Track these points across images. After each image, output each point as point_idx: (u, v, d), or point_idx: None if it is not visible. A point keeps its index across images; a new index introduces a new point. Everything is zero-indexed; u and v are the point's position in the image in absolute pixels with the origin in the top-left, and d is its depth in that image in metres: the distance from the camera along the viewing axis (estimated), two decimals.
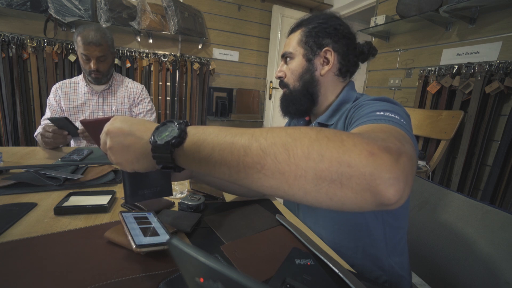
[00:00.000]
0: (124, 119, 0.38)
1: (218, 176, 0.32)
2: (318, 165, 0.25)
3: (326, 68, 0.66)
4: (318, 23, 0.66)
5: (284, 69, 0.70)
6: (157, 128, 0.36)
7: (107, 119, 0.40)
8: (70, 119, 1.29)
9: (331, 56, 0.65)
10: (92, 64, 1.21)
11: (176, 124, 0.35)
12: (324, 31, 0.65)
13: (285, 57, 0.69)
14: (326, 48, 0.65)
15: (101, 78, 1.27)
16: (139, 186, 0.45)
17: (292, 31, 0.70)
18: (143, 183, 0.46)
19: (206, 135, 0.33)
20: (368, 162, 0.24)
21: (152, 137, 0.35)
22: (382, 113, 0.46)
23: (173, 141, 0.33)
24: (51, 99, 1.30)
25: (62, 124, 1.07)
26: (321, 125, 0.66)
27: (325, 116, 0.65)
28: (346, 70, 0.67)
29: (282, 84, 0.71)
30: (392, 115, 0.45)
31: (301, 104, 0.68)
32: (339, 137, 0.27)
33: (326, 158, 0.25)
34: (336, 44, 0.65)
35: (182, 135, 0.33)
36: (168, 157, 0.34)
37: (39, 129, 1.27)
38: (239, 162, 0.29)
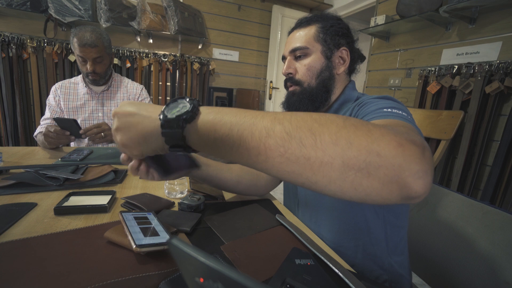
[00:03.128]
0: (131, 102, 0.37)
1: (234, 159, 0.30)
2: (346, 152, 0.24)
3: (342, 67, 0.66)
4: (333, 21, 0.65)
5: (295, 65, 0.66)
6: (167, 105, 0.34)
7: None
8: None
9: (347, 56, 0.66)
10: (88, 66, 1.20)
11: (187, 99, 0.33)
12: (340, 30, 0.64)
13: (296, 52, 0.65)
14: (343, 48, 0.65)
15: (98, 79, 1.26)
16: (167, 163, 0.46)
17: (300, 26, 0.67)
18: (168, 161, 0.46)
19: (223, 114, 0.30)
20: (397, 152, 0.24)
21: (162, 113, 0.33)
22: (389, 109, 0.46)
23: (185, 116, 0.31)
24: (50, 99, 1.30)
25: (68, 125, 1.07)
26: None
27: None
28: (352, 70, 0.69)
29: (293, 81, 0.67)
30: (400, 112, 0.45)
31: (320, 102, 0.65)
32: (366, 127, 0.26)
33: (355, 146, 0.24)
34: (349, 45, 0.66)
35: (194, 110, 0.31)
36: (179, 133, 0.31)
37: (38, 129, 1.27)
38: (259, 144, 0.27)
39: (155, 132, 0.33)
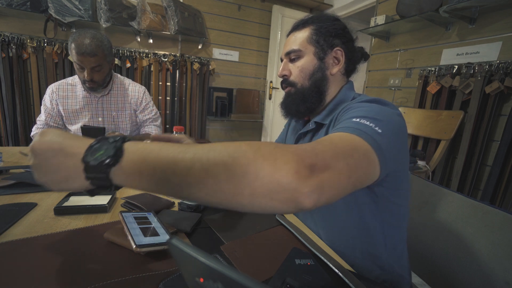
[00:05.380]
0: (54, 133, 0.35)
1: (161, 193, 0.33)
2: (253, 184, 0.29)
3: (337, 68, 0.66)
4: (327, 22, 0.65)
5: (290, 67, 0.68)
6: (90, 146, 0.33)
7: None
8: (70, 123, 1.28)
9: (342, 56, 0.65)
10: (86, 74, 1.12)
11: (112, 141, 0.33)
12: (334, 30, 0.64)
13: (290, 55, 0.67)
14: (337, 48, 0.65)
15: (96, 87, 1.20)
16: None
17: (296, 28, 0.68)
18: None
19: (147, 153, 0.32)
20: (293, 179, 0.29)
21: (85, 156, 0.32)
22: (358, 119, 0.45)
23: (108, 160, 0.31)
24: (46, 101, 1.24)
25: (94, 134, 1.04)
26: (318, 124, 0.66)
27: (322, 115, 0.65)
28: (350, 70, 0.69)
29: (287, 83, 0.68)
30: (367, 123, 0.44)
31: (312, 102, 0.66)
32: (274, 156, 0.30)
33: (260, 178, 0.29)
34: (344, 45, 0.66)
35: (117, 154, 0.32)
36: (104, 178, 0.32)
37: (34, 129, 1.25)
38: (182, 182, 0.30)
39: (79, 175, 0.33)
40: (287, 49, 0.67)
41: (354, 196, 0.58)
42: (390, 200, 0.56)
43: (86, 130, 1.06)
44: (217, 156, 0.30)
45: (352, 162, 0.36)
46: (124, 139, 0.34)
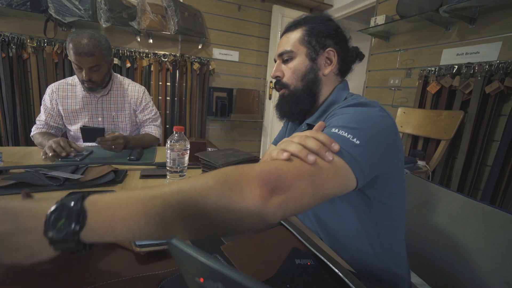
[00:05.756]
0: (4, 218, 0.30)
1: (140, 240, 0.35)
2: (225, 215, 0.32)
3: (329, 68, 0.65)
4: (319, 23, 0.65)
5: (283, 68, 0.67)
6: (49, 217, 0.30)
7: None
8: (70, 122, 1.28)
9: (334, 57, 0.65)
10: (84, 74, 1.12)
11: (70, 205, 0.30)
12: (326, 31, 0.64)
13: (283, 56, 0.67)
14: (329, 49, 0.65)
15: (95, 87, 1.20)
16: None
17: (289, 29, 0.68)
18: None
19: (114, 209, 0.31)
20: (258, 203, 0.33)
21: (46, 230, 0.29)
22: (336, 130, 0.46)
23: (72, 228, 0.29)
24: (46, 101, 1.24)
25: (93, 134, 1.04)
26: (310, 126, 0.66)
27: (314, 117, 0.65)
28: (344, 70, 0.68)
29: (280, 84, 0.68)
30: (345, 134, 0.44)
31: (305, 104, 0.66)
32: (239, 185, 0.33)
33: (230, 210, 0.32)
34: (337, 45, 0.65)
35: (81, 219, 0.29)
36: (74, 244, 0.30)
37: (34, 129, 1.25)
38: (158, 228, 0.31)
39: (45, 248, 0.30)
40: (280, 50, 0.67)
41: (348, 199, 0.58)
42: (383, 202, 0.56)
43: (86, 131, 1.05)
44: (186, 197, 0.32)
45: (318, 180, 0.38)
46: (84, 196, 0.32)
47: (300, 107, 0.67)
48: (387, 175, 0.54)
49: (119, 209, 0.31)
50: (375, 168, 0.47)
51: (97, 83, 1.19)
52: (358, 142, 0.44)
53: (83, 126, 1.20)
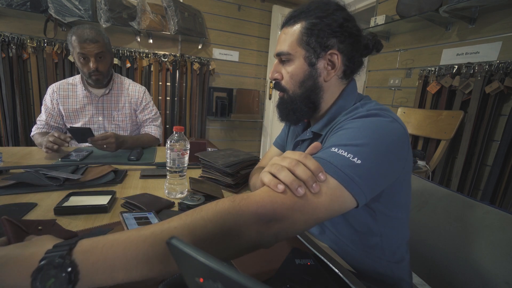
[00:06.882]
0: None
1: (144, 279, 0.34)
2: (224, 253, 0.35)
3: (332, 73, 0.58)
4: (320, 18, 0.55)
5: (281, 70, 0.61)
6: (36, 274, 0.27)
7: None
8: (70, 122, 1.28)
9: (337, 60, 0.57)
10: (91, 64, 1.15)
11: (58, 260, 0.27)
12: (328, 29, 0.55)
13: (281, 56, 0.60)
14: (331, 51, 0.56)
15: (102, 79, 1.21)
16: None
17: (288, 23, 0.60)
18: None
19: (112, 261, 0.29)
20: (256, 238, 0.36)
21: None
22: (336, 149, 0.44)
23: (66, 286, 0.26)
24: (47, 101, 1.25)
25: (81, 134, 1.04)
26: (315, 134, 0.62)
27: (319, 125, 0.61)
28: (350, 72, 0.60)
29: (279, 87, 0.62)
30: (345, 154, 0.43)
31: (302, 114, 0.61)
32: (238, 228, 0.35)
33: (231, 248, 0.35)
34: (342, 44, 0.56)
35: (74, 274, 0.27)
36: None
37: (34, 129, 1.25)
38: (161, 270, 0.30)
39: None
40: (277, 49, 0.61)
41: (352, 214, 0.57)
42: (388, 215, 0.56)
43: (73, 131, 1.05)
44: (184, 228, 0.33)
45: (308, 208, 0.39)
46: (71, 246, 0.29)
47: (297, 116, 0.62)
48: (392, 188, 0.52)
49: (116, 255, 0.29)
50: (379, 185, 0.45)
51: (103, 74, 1.21)
52: (359, 161, 0.42)
53: (71, 126, 1.20)
